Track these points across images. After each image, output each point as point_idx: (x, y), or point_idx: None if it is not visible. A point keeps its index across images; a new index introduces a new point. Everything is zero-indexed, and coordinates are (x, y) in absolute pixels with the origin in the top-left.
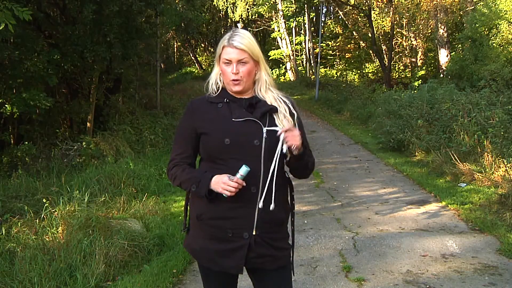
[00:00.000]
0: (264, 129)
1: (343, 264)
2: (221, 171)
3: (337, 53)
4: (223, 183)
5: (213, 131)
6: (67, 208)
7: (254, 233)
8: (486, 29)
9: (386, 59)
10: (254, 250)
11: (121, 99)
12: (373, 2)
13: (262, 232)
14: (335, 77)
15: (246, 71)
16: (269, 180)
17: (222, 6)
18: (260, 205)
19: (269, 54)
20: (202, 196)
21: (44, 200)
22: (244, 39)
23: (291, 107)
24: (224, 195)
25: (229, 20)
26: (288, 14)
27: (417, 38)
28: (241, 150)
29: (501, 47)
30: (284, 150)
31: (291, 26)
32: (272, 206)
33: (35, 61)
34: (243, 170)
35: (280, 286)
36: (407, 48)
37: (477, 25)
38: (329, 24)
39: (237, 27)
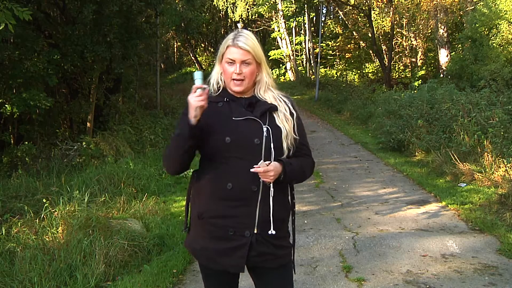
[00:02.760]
0: (264, 127)
1: (343, 264)
2: (221, 170)
3: (337, 53)
4: (191, 100)
5: (214, 130)
6: (67, 208)
7: (255, 231)
8: (486, 29)
9: (386, 59)
10: (255, 248)
11: (121, 99)
12: (373, 2)
13: (263, 230)
14: (335, 77)
15: (249, 72)
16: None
17: (222, 6)
18: (261, 204)
19: (269, 54)
20: (187, 132)
21: (44, 200)
22: (248, 40)
23: (291, 107)
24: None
25: (229, 20)
26: (288, 14)
27: (417, 38)
28: (241, 149)
29: (501, 47)
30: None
31: (291, 26)
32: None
33: (35, 61)
34: (196, 75)
35: (281, 285)
36: (407, 48)
37: (477, 25)
38: (329, 24)
39: (237, 27)
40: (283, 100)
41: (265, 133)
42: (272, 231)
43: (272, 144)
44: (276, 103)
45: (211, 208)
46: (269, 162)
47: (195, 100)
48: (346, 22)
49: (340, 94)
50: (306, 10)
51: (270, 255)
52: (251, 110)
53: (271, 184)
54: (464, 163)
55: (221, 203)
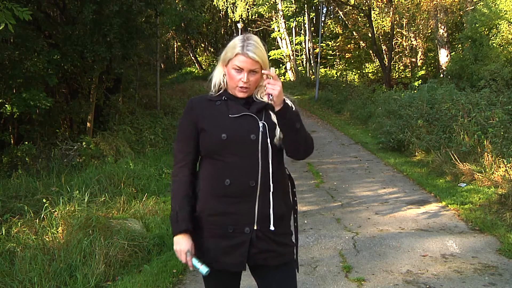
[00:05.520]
0: (260, 123)
1: (343, 264)
2: (218, 166)
3: (337, 53)
4: (179, 252)
5: (211, 127)
6: (67, 208)
7: (255, 227)
8: (486, 29)
9: (386, 59)
10: (256, 245)
11: (121, 99)
12: (373, 2)
13: (264, 226)
14: (335, 77)
15: (255, 80)
16: (270, 173)
17: (222, 6)
18: (260, 199)
19: (269, 54)
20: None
21: (44, 200)
22: (257, 49)
23: (289, 102)
24: None
25: (229, 20)
26: (288, 14)
27: (417, 38)
28: (238, 145)
29: (501, 47)
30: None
31: (291, 26)
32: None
33: (35, 61)
34: (203, 269)
35: (284, 283)
36: (407, 48)
37: (477, 25)
38: (329, 24)
39: (237, 27)
40: None
41: (261, 129)
42: (272, 227)
43: (268, 140)
44: None
45: (210, 205)
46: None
47: (182, 258)
48: (346, 22)
49: (340, 94)
50: (306, 10)
51: (272, 252)
52: (247, 107)
53: (270, 180)
54: (464, 163)
55: (220, 200)
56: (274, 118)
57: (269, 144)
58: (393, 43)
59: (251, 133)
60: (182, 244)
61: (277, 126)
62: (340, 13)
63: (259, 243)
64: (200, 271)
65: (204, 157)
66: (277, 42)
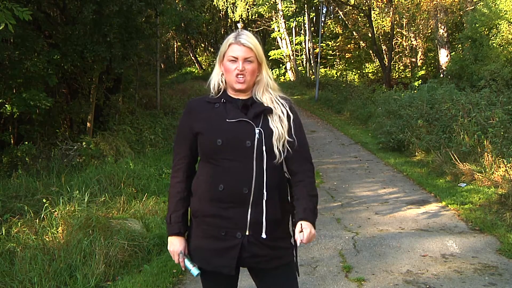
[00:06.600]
0: (256, 130)
1: (343, 264)
2: (213, 171)
3: (337, 53)
4: (172, 253)
5: (207, 131)
6: (67, 208)
7: (247, 233)
8: (486, 29)
9: (386, 59)
10: (248, 250)
11: (121, 99)
12: (373, 2)
13: (256, 232)
14: (335, 77)
15: (251, 69)
16: (265, 180)
17: (222, 6)
18: (252, 206)
19: (269, 54)
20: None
21: (44, 200)
22: (251, 38)
23: (288, 109)
24: None
25: (229, 20)
26: (288, 14)
27: (417, 38)
28: (233, 151)
29: (501, 47)
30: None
31: (291, 26)
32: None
33: (35, 61)
34: (194, 271)
35: (282, 285)
36: (407, 48)
37: (477, 25)
38: (329, 24)
39: (238, 27)
40: (280, 102)
41: (257, 135)
42: (263, 235)
43: (264, 147)
44: (272, 106)
45: (203, 208)
46: (301, 231)
47: (175, 259)
48: (346, 22)
49: (340, 94)
50: (306, 10)
51: (264, 256)
52: (245, 112)
53: (264, 188)
54: (464, 163)
55: (213, 204)
56: (271, 124)
57: (264, 151)
58: (393, 43)
59: (246, 139)
60: (175, 245)
61: (274, 134)
62: (340, 13)
63: (251, 247)
64: (192, 272)
65: (202, 160)
66: (277, 42)
